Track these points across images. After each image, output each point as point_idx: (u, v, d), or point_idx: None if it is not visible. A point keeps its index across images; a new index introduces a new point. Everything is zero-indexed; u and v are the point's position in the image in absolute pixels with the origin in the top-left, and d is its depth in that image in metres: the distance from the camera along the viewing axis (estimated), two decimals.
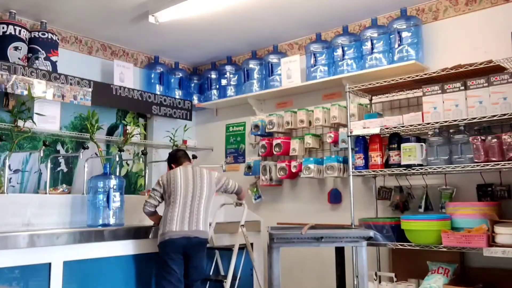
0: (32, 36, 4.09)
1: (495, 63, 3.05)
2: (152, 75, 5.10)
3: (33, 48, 4.07)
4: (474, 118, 3.05)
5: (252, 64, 4.86)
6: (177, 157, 3.69)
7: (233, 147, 5.19)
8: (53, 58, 4.16)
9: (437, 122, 3.22)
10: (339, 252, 3.41)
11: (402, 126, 3.38)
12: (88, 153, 4.06)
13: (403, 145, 3.38)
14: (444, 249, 3.13)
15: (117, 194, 3.41)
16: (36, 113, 3.65)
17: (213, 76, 5.24)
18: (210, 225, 3.58)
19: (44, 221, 3.20)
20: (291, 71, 4.43)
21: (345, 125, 3.90)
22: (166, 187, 3.42)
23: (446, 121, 3.18)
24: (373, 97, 4.00)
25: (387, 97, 3.95)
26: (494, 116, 2.97)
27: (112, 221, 3.35)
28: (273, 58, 4.70)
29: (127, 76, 4.74)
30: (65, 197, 3.48)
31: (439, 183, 3.65)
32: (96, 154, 4.14)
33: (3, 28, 3.92)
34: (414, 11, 3.99)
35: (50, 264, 2.85)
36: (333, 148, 4.31)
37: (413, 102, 3.85)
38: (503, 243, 2.86)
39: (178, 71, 5.29)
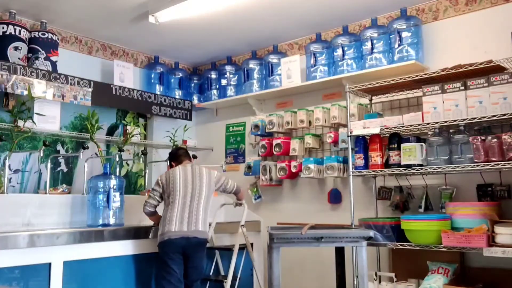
0: (32, 36, 4.09)
1: (495, 63, 3.05)
2: (152, 75, 5.10)
3: (33, 48, 4.07)
4: (474, 118, 3.05)
5: (252, 64, 4.86)
6: (177, 156, 3.68)
7: (233, 147, 5.19)
8: (53, 58, 4.16)
9: (437, 122, 3.22)
10: (339, 252, 3.41)
11: (402, 126, 3.38)
12: (88, 153, 4.06)
13: (403, 145, 3.38)
14: (444, 249, 3.13)
15: (117, 194, 3.41)
16: (36, 113, 3.65)
17: (213, 76, 5.24)
18: (210, 225, 3.58)
19: (44, 221, 3.20)
20: (291, 71, 4.43)
21: (345, 125, 3.90)
22: (165, 187, 3.42)
23: (446, 121, 3.18)
24: (373, 97, 4.00)
25: (387, 97, 3.95)
26: (494, 116, 2.97)
27: (112, 221, 3.35)
28: (273, 58, 4.70)
29: (127, 76, 4.74)
30: (65, 197, 3.48)
31: (439, 183, 3.65)
32: (96, 154, 4.14)
33: (3, 28, 3.92)
34: (414, 11, 3.99)
35: (50, 264, 2.86)
36: (333, 148, 4.31)
37: (413, 102, 3.85)
38: (503, 243, 2.86)
39: (178, 71, 5.29)
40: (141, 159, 4.87)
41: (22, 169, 4.15)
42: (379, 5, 3.99)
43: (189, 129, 4.95)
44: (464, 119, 3.10)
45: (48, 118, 3.96)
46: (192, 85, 5.40)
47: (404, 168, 3.38)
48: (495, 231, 2.92)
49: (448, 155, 3.20)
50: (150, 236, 3.43)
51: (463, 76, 3.25)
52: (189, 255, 3.34)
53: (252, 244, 3.88)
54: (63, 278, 2.90)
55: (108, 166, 3.49)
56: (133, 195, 4.49)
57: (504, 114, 2.93)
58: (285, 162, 4.42)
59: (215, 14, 4.10)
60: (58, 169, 4.41)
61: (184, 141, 4.98)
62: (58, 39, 4.29)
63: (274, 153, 4.48)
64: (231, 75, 5.09)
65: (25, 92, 3.74)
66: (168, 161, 3.94)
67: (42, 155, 4.04)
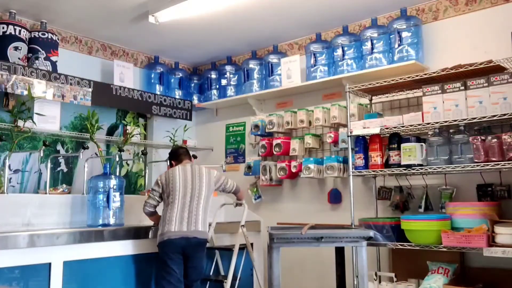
0: (32, 36, 4.09)
1: (495, 63, 3.05)
2: (152, 75, 5.10)
3: (33, 48, 4.07)
4: (474, 118, 3.05)
5: (252, 64, 4.86)
6: (178, 154, 3.68)
7: (233, 147, 5.19)
8: (53, 58, 4.16)
9: (437, 122, 3.22)
10: (339, 252, 3.41)
11: (402, 126, 3.38)
12: (88, 153, 4.06)
13: (403, 145, 3.38)
14: (444, 249, 3.13)
15: (117, 194, 3.41)
16: (36, 113, 3.66)
17: (213, 76, 5.24)
18: (210, 225, 3.58)
19: (44, 221, 3.20)
20: (291, 71, 4.43)
21: (345, 125, 3.90)
22: (165, 187, 3.42)
23: (446, 121, 3.18)
24: (373, 97, 4.00)
25: (387, 97, 3.95)
26: (494, 116, 2.97)
27: (112, 221, 3.35)
28: (273, 58, 4.70)
29: (127, 76, 4.74)
30: (65, 197, 3.48)
31: (439, 183, 3.65)
32: (96, 154, 4.14)
33: (3, 28, 3.92)
34: (414, 11, 3.99)
35: (50, 264, 2.85)
36: (333, 148, 4.31)
37: (413, 102, 3.85)
38: (503, 243, 2.86)
39: (178, 71, 5.29)
40: (141, 159, 4.87)
41: (22, 169, 4.15)
42: (379, 5, 3.99)
43: (189, 129, 4.95)
44: (464, 119, 3.10)
45: (48, 118, 3.96)
46: (192, 85, 5.40)
47: (404, 168, 3.38)
48: (495, 231, 2.92)
49: (448, 155, 3.20)
50: (150, 236, 3.43)
51: (463, 76, 3.25)
52: (189, 255, 3.34)
53: (252, 244, 3.88)
54: (63, 278, 2.90)
55: (108, 166, 3.49)
56: (133, 195, 4.49)
57: (504, 114, 2.93)
58: (285, 162, 4.42)
59: (215, 14, 4.10)
60: (58, 169, 4.41)
61: (184, 141, 4.97)
62: (58, 39, 4.29)
63: (274, 153, 4.48)
64: (231, 75, 5.09)
65: (25, 92, 3.74)
66: (168, 160, 3.94)
67: (42, 155, 4.04)
